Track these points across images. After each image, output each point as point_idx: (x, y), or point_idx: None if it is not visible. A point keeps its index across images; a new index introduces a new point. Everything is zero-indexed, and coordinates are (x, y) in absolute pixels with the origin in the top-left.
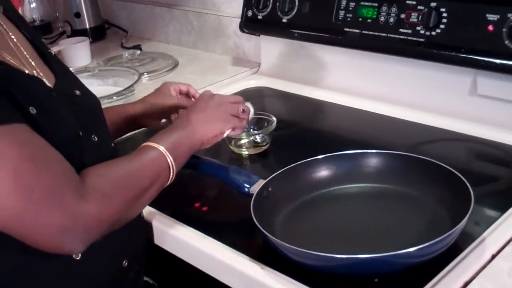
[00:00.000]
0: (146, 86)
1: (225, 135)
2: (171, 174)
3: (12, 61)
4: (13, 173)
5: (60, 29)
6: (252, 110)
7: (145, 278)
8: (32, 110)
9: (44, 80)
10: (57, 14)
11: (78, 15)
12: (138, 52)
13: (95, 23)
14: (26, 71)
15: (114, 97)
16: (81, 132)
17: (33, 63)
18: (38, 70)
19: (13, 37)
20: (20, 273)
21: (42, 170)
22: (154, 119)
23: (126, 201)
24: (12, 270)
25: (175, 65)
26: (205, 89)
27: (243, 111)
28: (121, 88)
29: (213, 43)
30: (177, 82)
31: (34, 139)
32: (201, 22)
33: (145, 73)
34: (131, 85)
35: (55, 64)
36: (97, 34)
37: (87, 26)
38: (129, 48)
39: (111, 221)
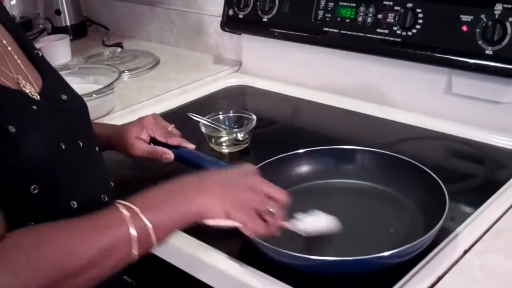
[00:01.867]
0: (127, 84)
1: (230, 225)
2: (133, 251)
3: None
4: None
5: (41, 26)
6: (308, 228)
7: (124, 277)
8: (12, 129)
9: (28, 91)
10: (37, 11)
11: (58, 12)
12: (119, 50)
13: (76, 20)
14: (6, 82)
15: (94, 95)
16: (63, 144)
17: (21, 65)
18: (25, 74)
19: (1, 38)
20: None
21: None
22: (126, 151)
23: (42, 285)
24: None
25: (157, 63)
26: (187, 87)
27: (271, 213)
28: (101, 86)
29: (194, 42)
30: (161, 121)
31: None
32: (183, 20)
33: (126, 71)
34: (111, 83)
35: (42, 66)
36: (78, 32)
37: (68, 24)
38: (110, 46)
39: None
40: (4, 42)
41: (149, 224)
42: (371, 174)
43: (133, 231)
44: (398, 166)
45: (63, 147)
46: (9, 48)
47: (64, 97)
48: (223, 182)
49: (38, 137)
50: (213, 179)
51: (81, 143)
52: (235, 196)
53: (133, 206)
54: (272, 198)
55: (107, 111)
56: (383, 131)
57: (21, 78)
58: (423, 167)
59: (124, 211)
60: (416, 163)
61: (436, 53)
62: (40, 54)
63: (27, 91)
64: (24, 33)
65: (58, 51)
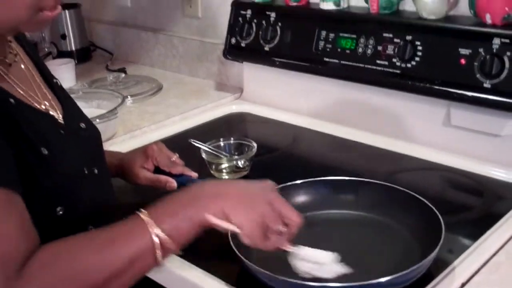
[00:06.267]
0: (129, 109)
1: (231, 229)
2: (157, 257)
3: (24, 94)
4: None
5: (46, 50)
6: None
7: None
8: (44, 151)
9: (55, 115)
10: (43, 35)
11: (64, 36)
12: (123, 75)
13: (81, 45)
14: (37, 106)
15: (97, 120)
16: (86, 170)
17: (46, 92)
18: (48, 100)
19: (23, 66)
20: None
21: None
22: (131, 180)
23: None
24: None
25: (159, 88)
26: (189, 113)
27: (279, 232)
28: (104, 111)
29: (196, 68)
30: (165, 150)
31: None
32: (186, 47)
33: (129, 96)
34: (114, 108)
35: (61, 94)
36: (83, 56)
37: (73, 48)
38: (114, 71)
39: None
40: (31, 69)
41: (168, 231)
42: (368, 205)
43: (155, 238)
44: (396, 196)
45: (86, 172)
46: (34, 74)
47: (82, 125)
48: (244, 189)
49: (67, 161)
50: (234, 186)
51: (96, 170)
52: (252, 205)
53: (151, 214)
54: (286, 218)
55: (109, 136)
56: (381, 161)
57: (47, 103)
58: (420, 197)
59: (146, 218)
60: (413, 193)
61: (435, 85)
62: (59, 83)
63: (55, 116)
64: (42, 61)
65: (62, 75)
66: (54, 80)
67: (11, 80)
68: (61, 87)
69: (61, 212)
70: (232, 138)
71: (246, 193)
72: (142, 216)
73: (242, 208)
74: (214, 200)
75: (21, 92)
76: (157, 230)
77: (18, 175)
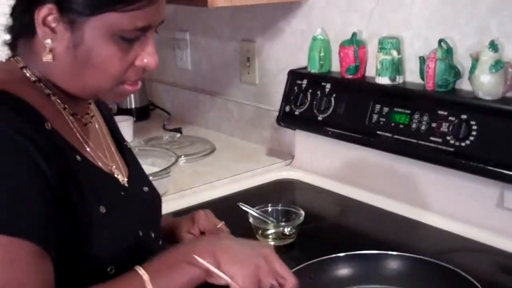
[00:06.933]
0: (182, 169)
1: (226, 281)
2: None
3: (91, 153)
4: None
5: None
6: None
7: None
8: (102, 209)
9: (119, 177)
10: None
11: None
12: (178, 135)
13: (141, 103)
14: (102, 166)
15: (150, 177)
16: (141, 232)
17: (115, 154)
18: (116, 162)
19: (97, 127)
20: None
21: None
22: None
23: None
24: None
25: (212, 150)
26: (239, 176)
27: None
28: (158, 169)
29: (250, 133)
30: (212, 217)
31: (23, 264)
32: (241, 111)
33: (183, 156)
34: (168, 167)
35: (129, 157)
36: (142, 114)
37: (133, 106)
38: (170, 130)
39: None
40: (104, 130)
41: (165, 285)
42: (413, 282)
43: None
44: (442, 275)
45: (141, 234)
46: (106, 136)
47: (145, 188)
48: (240, 244)
49: (124, 222)
50: (231, 240)
51: (153, 234)
52: (246, 258)
53: (148, 270)
54: (279, 276)
55: (160, 194)
56: (430, 239)
57: (114, 165)
58: (470, 278)
59: (143, 274)
60: (463, 273)
61: (488, 165)
62: (129, 146)
63: (119, 178)
64: (116, 124)
65: (121, 131)
66: (125, 144)
67: (83, 139)
68: (130, 150)
69: (112, 272)
70: (280, 204)
71: (241, 246)
72: (139, 272)
73: (236, 260)
74: (209, 251)
75: (89, 151)
76: (153, 286)
77: (54, 236)
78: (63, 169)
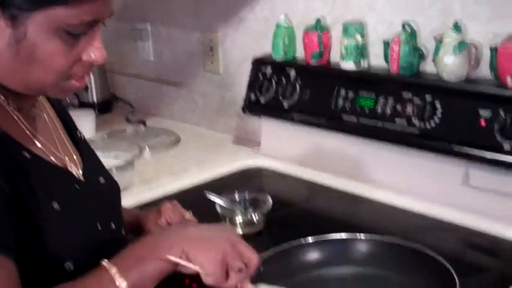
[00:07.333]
0: (147, 161)
1: (195, 270)
2: None
3: (42, 148)
4: None
5: (68, 100)
6: None
7: None
8: (55, 205)
9: (73, 170)
10: None
11: (86, 88)
12: (142, 127)
13: (103, 96)
14: (55, 160)
15: (114, 170)
16: (99, 225)
17: (68, 147)
18: (70, 154)
19: (47, 120)
20: None
21: None
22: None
23: None
24: None
25: (177, 141)
26: (205, 165)
27: (240, 270)
28: (121, 162)
29: (215, 122)
30: (179, 208)
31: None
32: (206, 101)
33: (147, 148)
34: (131, 159)
35: (83, 148)
36: (104, 107)
37: (95, 99)
38: (134, 123)
39: None
40: (56, 123)
41: (134, 279)
42: (382, 263)
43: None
44: (410, 255)
45: (99, 227)
46: (58, 128)
47: (102, 180)
48: (204, 230)
49: (80, 216)
50: (195, 228)
51: (113, 225)
52: (212, 244)
53: (116, 264)
54: (245, 257)
55: (124, 187)
56: (398, 220)
57: (67, 158)
58: (436, 256)
59: (111, 268)
60: (429, 252)
61: (453, 145)
62: (82, 136)
63: (73, 171)
64: (68, 113)
65: (82, 125)
66: (78, 134)
67: (31, 133)
68: (84, 140)
69: (70, 268)
70: (247, 192)
71: (206, 233)
72: (106, 265)
73: (203, 248)
74: (176, 243)
75: (40, 145)
76: (123, 279)
77: (13, 239)
78: (12, 169)
